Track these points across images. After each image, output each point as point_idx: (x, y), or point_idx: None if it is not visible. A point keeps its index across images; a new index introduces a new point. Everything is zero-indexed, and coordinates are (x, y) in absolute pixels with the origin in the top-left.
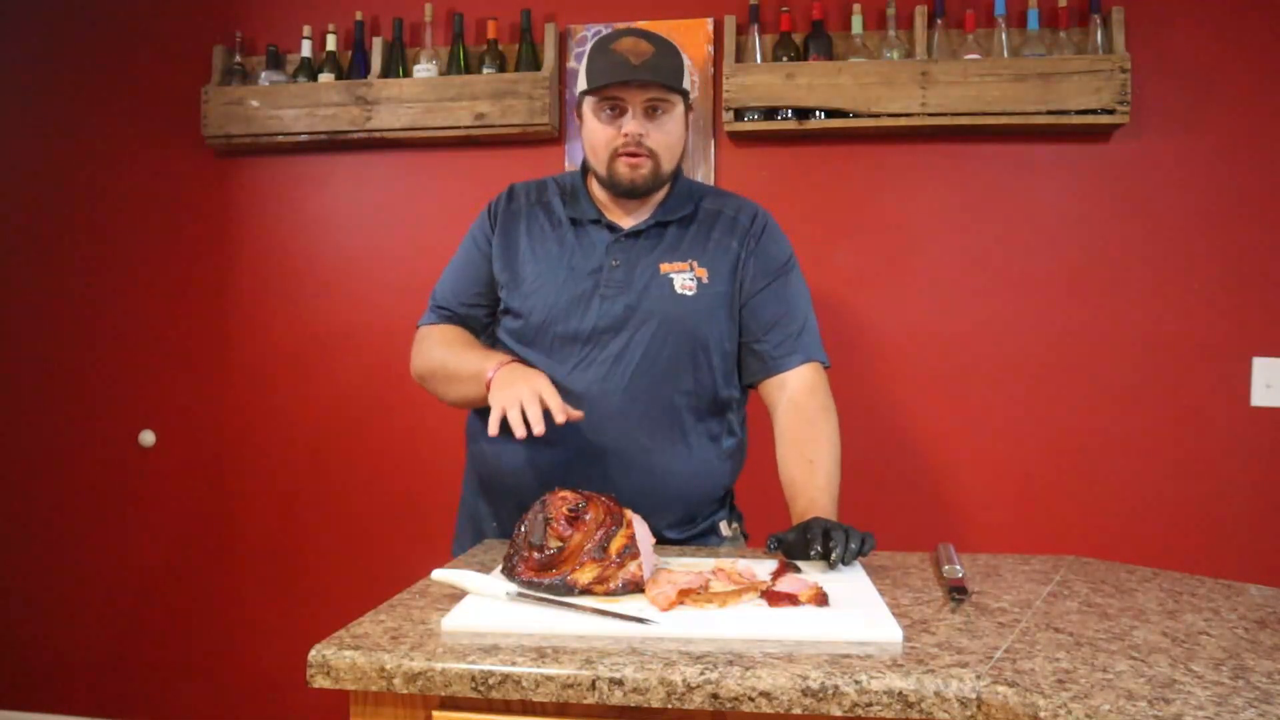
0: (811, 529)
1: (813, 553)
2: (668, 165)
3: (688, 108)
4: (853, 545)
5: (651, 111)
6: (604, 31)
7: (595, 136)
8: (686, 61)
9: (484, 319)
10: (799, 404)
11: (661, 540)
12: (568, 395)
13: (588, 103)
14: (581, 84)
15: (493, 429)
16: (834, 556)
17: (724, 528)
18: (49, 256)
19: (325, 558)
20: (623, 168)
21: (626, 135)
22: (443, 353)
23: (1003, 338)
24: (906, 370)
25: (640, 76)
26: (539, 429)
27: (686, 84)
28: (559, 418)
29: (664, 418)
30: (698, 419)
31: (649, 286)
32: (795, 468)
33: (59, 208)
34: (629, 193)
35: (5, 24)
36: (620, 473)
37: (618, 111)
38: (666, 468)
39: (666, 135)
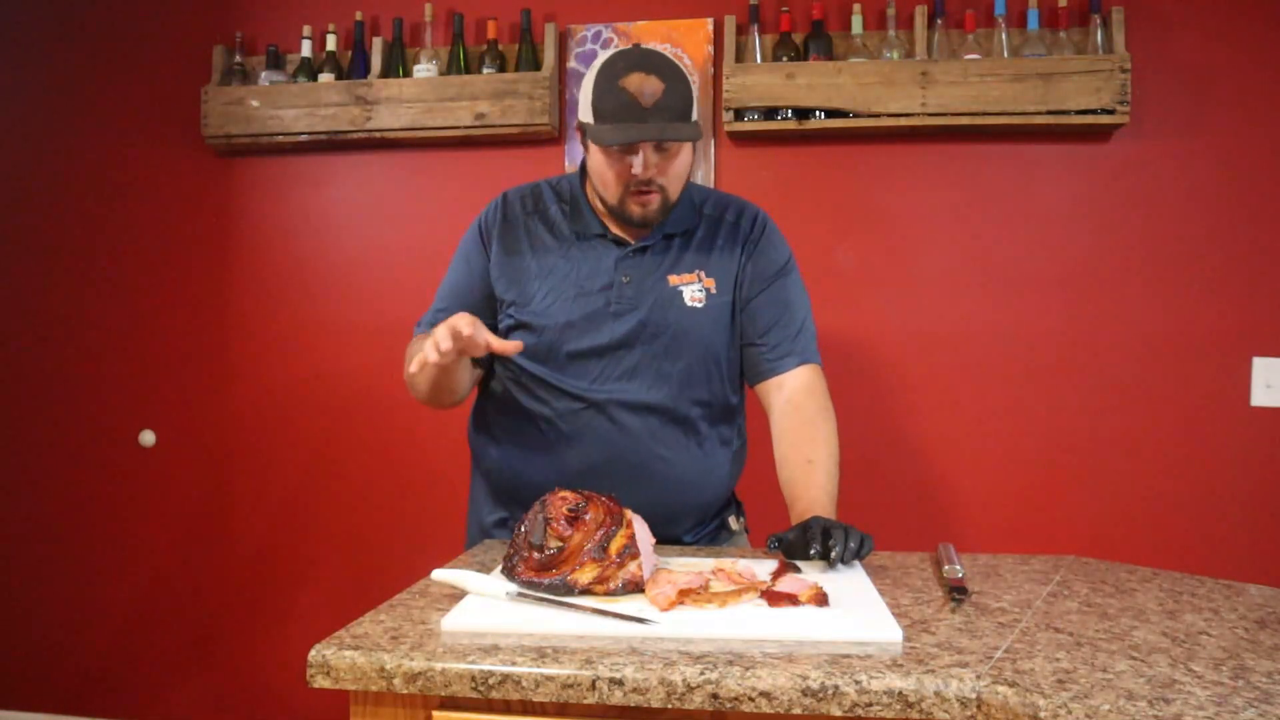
0: (811, 528)
1: (812, 551)
2: (676, 194)
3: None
4: (852, 544)
5: (661, 148)
6: (604, 33)
7: (605, 173)
8: (693, 81)
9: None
10: (797, 405)
11: (677, 544)
12: (585, 408)
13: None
14: (586, 113)
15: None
16: (833, 555)
17: (733, 523)
18: (49, 256)
19: (325, 557)
20: (634, 206)
21: (637, 175)
22: (413, 346)
23: (1003, 337)
24: (906, 370)
25: (651, 135)
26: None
27: (695, 114)
28: (469, 333)
29: (680, 429)
30: (711, 426)
31: (659, 300)
32: (794, 469)
33: (59, 207)
34: (640, 225)
35: (5, 23)
36: (639, 484)
37: (628, 149)
38: (683, 477)
39: (677, 168)
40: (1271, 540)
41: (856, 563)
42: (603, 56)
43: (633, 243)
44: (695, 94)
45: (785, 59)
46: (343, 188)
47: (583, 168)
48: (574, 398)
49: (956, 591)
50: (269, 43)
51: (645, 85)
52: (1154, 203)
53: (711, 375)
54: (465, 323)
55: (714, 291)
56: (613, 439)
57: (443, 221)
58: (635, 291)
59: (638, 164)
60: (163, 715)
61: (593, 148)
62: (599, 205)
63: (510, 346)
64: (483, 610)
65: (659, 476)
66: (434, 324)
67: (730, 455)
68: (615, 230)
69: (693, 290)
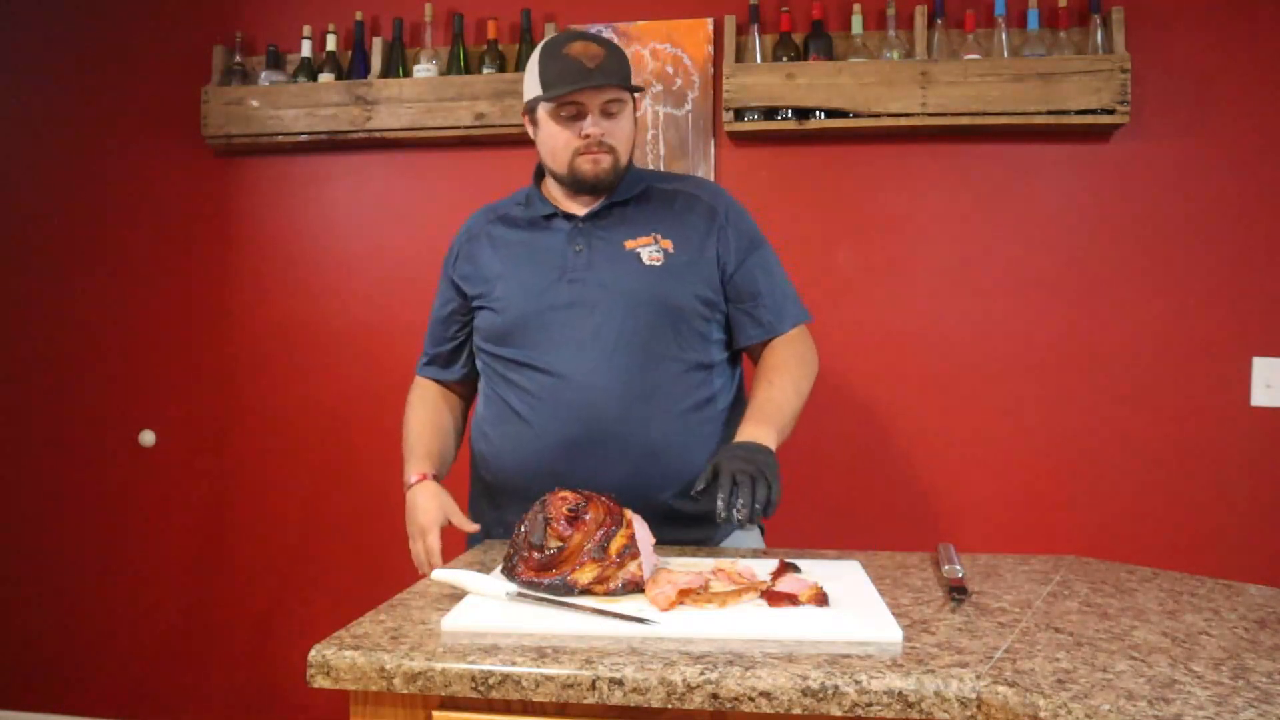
0: (721, 475)
1: (719, 513)
2: (625, 158)
3: (636, 103)
4: (758, 503)
5: (609, 111)
6: (604, 33)
7: (555, 139)
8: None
9: (465, 346)
10: (779, 351)
11: (670, 513)
12: (554, 378)
13: (544, 108)
14: (534, 90)
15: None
16: (736, 515)
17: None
18: (49, 256)
19: (325, 557)
20: (585, 164)
21: (588, 136)
22: (406, 431)
23: (1003, 338)
24: (906, 370)
25: (599, 81)
26: (433, 573)
27: (637, 80)
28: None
29: (651, 389)
30: (686, 386)
31: (615, 264)
32: (755, 388)
33: (59, 208)
34: (593, 188)
35: (5, 24)
36: (619, 450)
37: (577, 114)
38: (662, 438)
39: (623, 131)
40: (1271, 540)
41: (856, 563)
42: (540, 44)
43: (581, 213)
44: (631, 69)
45: (785, 59)
46: (343, 188)
47: (538, 172)
48: (540, 371)
49: (956, 591)
50: (269, 43)
51: (588, 50)
52: (1154, 203)
53: (680, 332)
54: (427, 550)
55: (672, 251)
56: (584, 408)
57: (443, 221)
58: (588, 259)
59: (588, 124)
60: (162, 715)
61: (542, 121)
62: (552, 191)
63: (470, 527)
64: (483, 610)
65: (635, 442)
66: (426, 360)
67: (712, 418)
68: (565, 209)
69: (650, 251)
